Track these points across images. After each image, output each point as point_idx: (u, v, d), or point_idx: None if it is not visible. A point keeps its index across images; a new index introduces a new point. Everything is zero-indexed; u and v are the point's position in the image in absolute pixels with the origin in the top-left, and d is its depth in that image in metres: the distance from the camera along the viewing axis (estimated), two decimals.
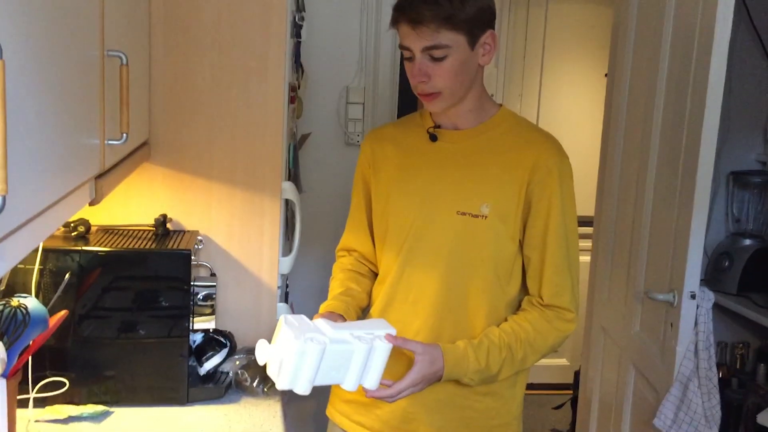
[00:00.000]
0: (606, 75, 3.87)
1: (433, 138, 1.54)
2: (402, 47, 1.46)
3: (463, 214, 1.47)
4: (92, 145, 1.12)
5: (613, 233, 2.49)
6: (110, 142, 1.20)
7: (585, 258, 3.24)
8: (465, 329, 1.51)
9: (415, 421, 1.54)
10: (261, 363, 1.32)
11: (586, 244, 3.53)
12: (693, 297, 1.90)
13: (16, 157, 0.71)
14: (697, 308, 1.91)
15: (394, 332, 1.36)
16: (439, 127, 1.54)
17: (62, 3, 0.92)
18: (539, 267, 1.49)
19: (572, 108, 3.87)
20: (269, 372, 1.32)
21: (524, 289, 1.55)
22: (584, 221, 3.63)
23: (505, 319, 1.51)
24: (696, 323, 1.91)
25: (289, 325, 1.30)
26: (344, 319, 1.49)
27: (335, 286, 1.64)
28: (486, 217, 1.46)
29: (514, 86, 3.80)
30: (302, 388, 1.29)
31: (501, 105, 1.56)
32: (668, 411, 1.95)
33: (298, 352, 1.26)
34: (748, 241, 2.56)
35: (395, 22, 1.44)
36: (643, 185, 2.21)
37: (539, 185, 1.46)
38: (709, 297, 1.92)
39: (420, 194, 1.52)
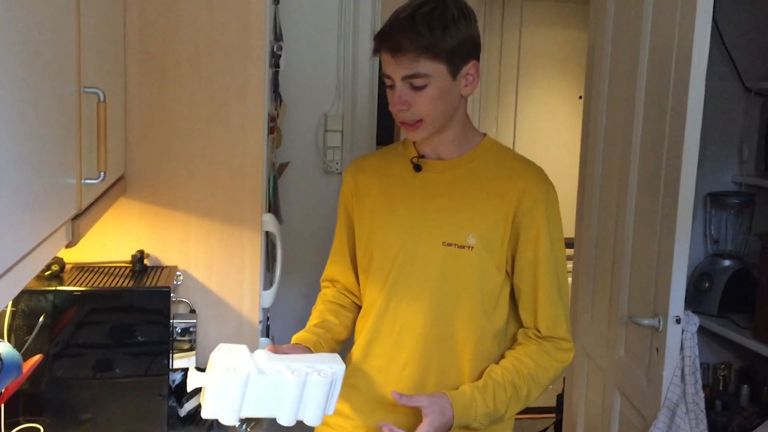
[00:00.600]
0: (581, 97, 3.91)
1: (417, 168, 1.52)
2: (383, 75, 1.45)
3: (449, 244, 1.46)
4: (69, 185, 1.08)
5: (594, 256, 2.49)
6: (87, 181, 1.16)
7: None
8: (452, 361, 1.49)
9: None
10: (189, 390, 1.31)
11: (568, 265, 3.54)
12: (678, 322, 1.89)
13: None
14: (683, 333, 1.90)
15: (342, 369, 1.34)
16: (422, 157, 1.53)
17: (39, 40, 0.89)
18: (532, 298, 1.48)
19: (548, 130, 3.89)
20: (201, 400, 1.30)
21: (512, 318, 1.53)
22: (566, 243, 3.65)
23: (503, 356, 1.48)
24: (682, 348, 1.91)
25: (221, 355, 1.29)
26: (310, 352, 1.46)
27: (312, 318, 1.61)
28: (472, 247, 1.45)
29: (490, 109, 3.81)
30: (227, 419, 1.27)
31: (485, 134, 1.55)
32: None
33: (219, 380, 1.24)
34: (727, 262, 2.57)
35: (377, 50, 1.43)
36: (624, 208, 2.21)
37: (526, 215, 1.45)
38: (694, 321, 1.92)
39: (405, 225, 1.50)
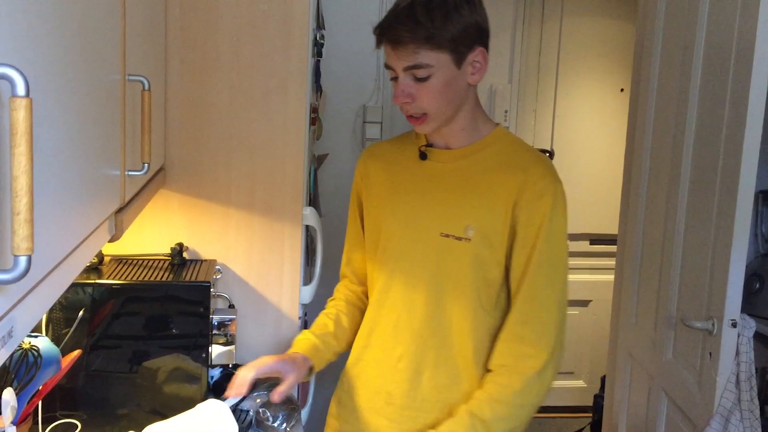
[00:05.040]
0: (622, 90, 3.81)
1: (423, 156, 1.48)
2: (386, 67, 1.40)
3: (447, 236, 1.40)
4: (113, 177, 1.04)
5: (640, 253, 2.41)
6: (131, 173, 1.12)
7: (608, 277, 3.16)
8: (447, 355, 1.43)
9: None
10: None
11: (609, 262, 3.46)
12: (734, 325, 1.81)
13: (38, 204, 0.62)
14: (738, 337, 1.82)
15: None
16: (431, 145, 1.48)
17: (85, 25, 0.84)
18: (516, 295, 1.39)
19: (588, 123, 3.79)
20: None
21: None
22: (605, 239, 3.57)
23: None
24: (737, 353, 1.82)
25: None
26: (310, 363, 1.46)
27: (324, 321, 1.58)
28: (470, 239, 1.39)
29: (528, 101, 3.73)
30: None
31: (498, 124, 1.49)
32: None
33: None
34: None
35: (378, 42, 1.39)
36: (675, 204, 2.12)
37: (526, 209, 1.37)
38: (750, 325, 1.83)
39: (406, 214, 1.47)
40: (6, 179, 0.53)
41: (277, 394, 1.41)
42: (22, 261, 0.52)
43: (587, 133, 3.76)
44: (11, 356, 1.26)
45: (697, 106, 2.04)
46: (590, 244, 3.66)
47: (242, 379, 1.38)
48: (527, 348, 1.37)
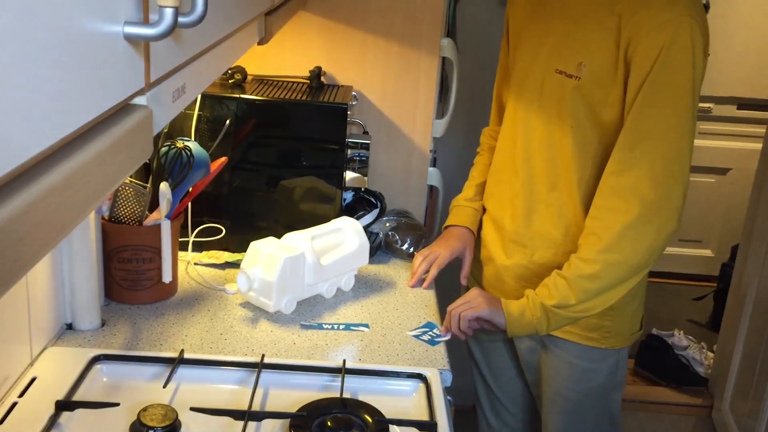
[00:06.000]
0: None
1: None
2: None
3: (560, 72, 1.32)
4: None
5: None
6: None
7: (753, 145, 2.96)
8: (558, 198, 1.37)
9: None
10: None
11: (757, 129, 3.23)
12: None
13: None
14: None
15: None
16: None
17: None
18: (617, 142, 1.27)
19: None
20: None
21: None
22: (755, 104, 3.32)
23: None
24: None
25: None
26: (473, 231, 1.55)
27: (476, 175, 1.60)
28: (579, 78, 1.28)
29: None
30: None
31: None
32: None
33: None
34: None
35: None
36: None
37: (642, 45, 1.21)
38: None
39: (530, 46, 1.40)
40: None
41: (464, 278, 1.55)
42: (200, 2, 0.54)
43: None
44: (167, 154, 1.35)
45: None
46: (737, 108, 3.41)
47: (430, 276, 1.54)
48: (616, 201, 1.26)
